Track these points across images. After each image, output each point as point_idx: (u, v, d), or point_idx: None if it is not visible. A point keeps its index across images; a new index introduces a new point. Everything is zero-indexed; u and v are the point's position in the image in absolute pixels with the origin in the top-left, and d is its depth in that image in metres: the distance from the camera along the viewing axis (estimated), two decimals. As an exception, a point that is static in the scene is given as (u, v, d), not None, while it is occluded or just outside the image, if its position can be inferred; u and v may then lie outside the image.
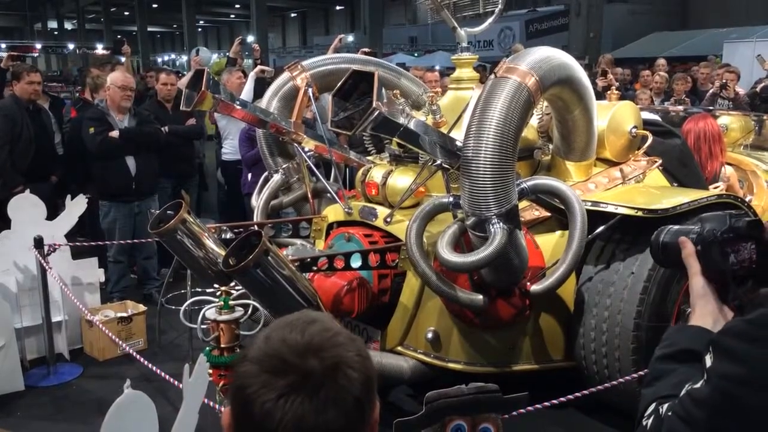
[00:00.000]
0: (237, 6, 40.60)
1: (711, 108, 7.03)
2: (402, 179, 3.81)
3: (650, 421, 1.14)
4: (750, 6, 20.77)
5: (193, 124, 6.14)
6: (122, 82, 5.32)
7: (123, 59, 8.04)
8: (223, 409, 2.96)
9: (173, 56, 47.50)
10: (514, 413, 2.10)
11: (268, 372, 0.97)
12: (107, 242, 5.29)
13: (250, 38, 26.08)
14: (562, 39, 20.68)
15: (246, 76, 6.73)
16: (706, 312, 1.26)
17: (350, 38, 28.39)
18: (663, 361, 1.24)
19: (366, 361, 1.02)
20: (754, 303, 1.08)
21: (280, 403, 0.95)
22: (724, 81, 7.85)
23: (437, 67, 11.18)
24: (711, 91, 8.07)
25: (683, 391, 1.11)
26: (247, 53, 11.95)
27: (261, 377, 0.97)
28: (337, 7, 42.52)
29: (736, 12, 20.58)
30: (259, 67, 6.94)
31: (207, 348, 3.24)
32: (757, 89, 8.43)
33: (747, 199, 4.19)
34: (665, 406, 1.13)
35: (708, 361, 1.09)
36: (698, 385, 1.08)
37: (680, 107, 6.78)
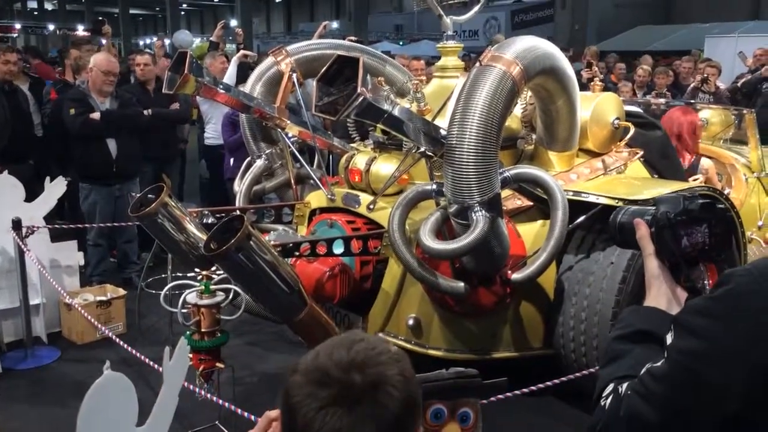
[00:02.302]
0: (221, -10, 40.16)
1: (692, 101, 7.09)
2: (385, 166, 3.81)
3: (608, 401, 1.15)
4: (733, 1, 20.93)
5: (177, 108, 6.08)
6: (106, 66, 5.23)
7: (104, 41, 7.93)
8: (201, 392, 2.96)
9: (155, 39, 46.93)
10: (493, 398, 2.12)
11: (313, 383, 1.01)
12: (87, 225, 5.24)
13: (234, 23, 25.84)
14: (547, 30, 20.73)
15: (229, 60, 6.68)
16: (660, 293, 1.27)
17: (335, 25, 28.23)
18: (619, 341, 1.25)
19: (409, 382, 1.04)
20: (718, 281, 1.08)
21: (320, 415, 0.99)
22: (705, 75, 7.92)
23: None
24: (692, 85, 8.14)
25: (643, 370, 1.11)
26: (230, 38, 11.86)
27: (306, 388, 1.02)
28: (323, -7, 42.20)
29: (720, 7, 20.73)
30: (242, 51, 6.89)
31: (187, 332, 3.24)
32: (738, 84, 8.52)
33: (725, 192, 4.24)
34: (624, 385, 1.13)
35: (669, 339, 1.10)
36: (658, 364, 1.09)
37: (661, 100, 6.83)
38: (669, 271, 1.28)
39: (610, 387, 1.16)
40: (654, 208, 1.30)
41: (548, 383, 2.92)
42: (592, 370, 3.20)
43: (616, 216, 1.39)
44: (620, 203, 3.34)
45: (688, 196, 1.29)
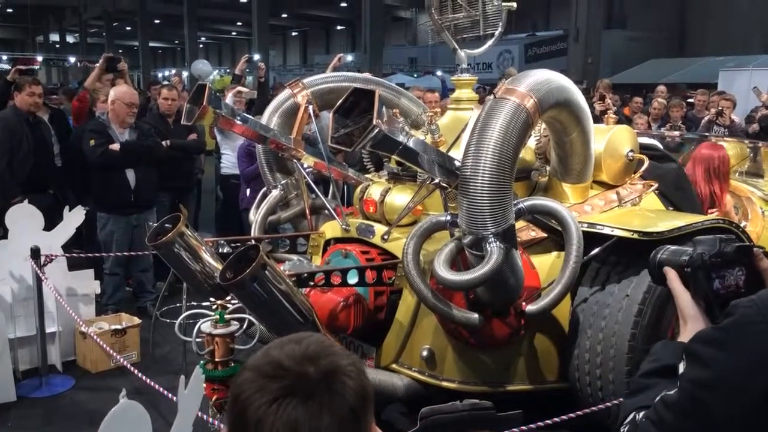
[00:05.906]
0: (239, 23, 40.91)
1: (707, 134, 7.09)
2: (400, 197, 3.83)
3: (626, 428, 1.20)
4: (747, 35, 21.02)
5: (195, 139, 6.18)
6: (130, 98, 5.35)
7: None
8: (215, 422, 2.95)
9: (174, 72, 47.78)
10: (507, 431, 2.10)
11: (265, 377, 0.98)
12: (104, 254, 5.29)
13: (256, 57, 26.25)
14: (560, 63, 20.87)
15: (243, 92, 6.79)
16: (695, 330, 1.29)
17: (349, 58, 28.59)
18: (647, 375, 1.28)
19: (361, 373, 1.03)
20: (725, 312, 1.12)
21: (273, 408, 0.94)
22: (720, 108, 7.93)
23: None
24: (707, 117, 8.15)
25: (657, 397, 1.15)
26: (248, 70, 12.04)
27: (257, 382, 0.97)
28: (338, 27, 42.88)
29: (734, 41, 20.82)
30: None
31: (201, 362, 3.24)
32: (755, 119, 8.50)
33: (742, 225, 4.22)
34: (641, 413, 1.18)
35: (681, 368, 1.14)
36: (672, 392, 1.13)
37: (676, 133, 6.84)
38: (704, 312, 1.30)
39: (631, 416, 1.21)
40: (692, 248, 1.33)
41: (563, 417, 2.89)
42: (608, 403, 3.16)
43: (656, 254, 1.41)
44: (635, 235, 3.34)
45: (725, 238, 1.30)
